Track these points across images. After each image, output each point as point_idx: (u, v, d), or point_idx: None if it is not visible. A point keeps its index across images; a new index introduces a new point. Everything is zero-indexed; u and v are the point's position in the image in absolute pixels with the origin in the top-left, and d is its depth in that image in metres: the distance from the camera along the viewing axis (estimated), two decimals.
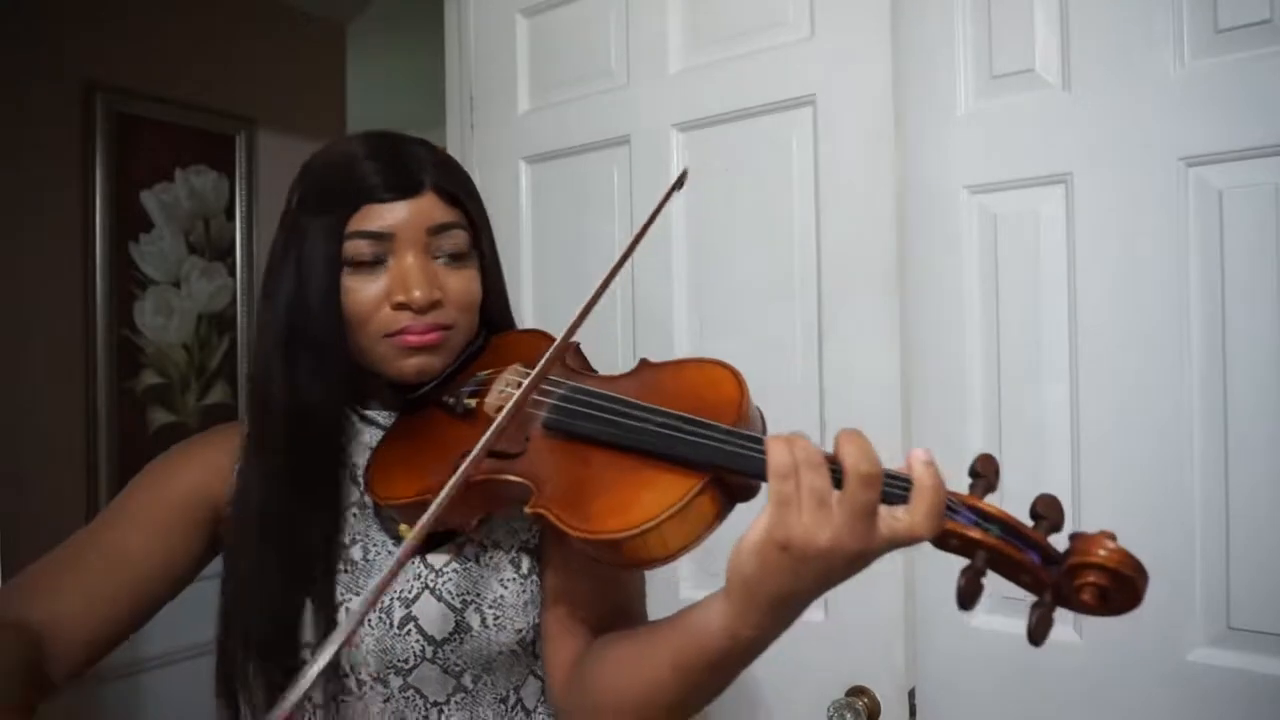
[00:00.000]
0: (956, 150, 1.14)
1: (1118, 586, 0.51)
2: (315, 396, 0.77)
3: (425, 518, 0.58)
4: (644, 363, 0.77)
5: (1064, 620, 1.05)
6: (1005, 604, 1.09)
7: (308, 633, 0.76)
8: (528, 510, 0.66)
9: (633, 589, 0.83)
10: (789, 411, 1.22)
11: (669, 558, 0.62)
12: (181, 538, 0.81)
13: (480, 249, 0.83)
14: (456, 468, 0.63)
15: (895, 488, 0.57)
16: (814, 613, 1.21)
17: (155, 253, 2.24)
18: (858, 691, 1.14)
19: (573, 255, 1.47)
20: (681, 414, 0.64)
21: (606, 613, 0.78)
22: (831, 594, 1.20)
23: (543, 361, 0.69)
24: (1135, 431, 1.02)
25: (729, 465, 0.60)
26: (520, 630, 0.81)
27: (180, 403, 2.30)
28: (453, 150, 1.63)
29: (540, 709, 0.85)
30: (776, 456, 0.56)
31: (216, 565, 0.85)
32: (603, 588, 0.80)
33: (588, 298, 0.72)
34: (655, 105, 1.37)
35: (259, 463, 0.79)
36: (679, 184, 0.81)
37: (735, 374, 0.69)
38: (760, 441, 0.59)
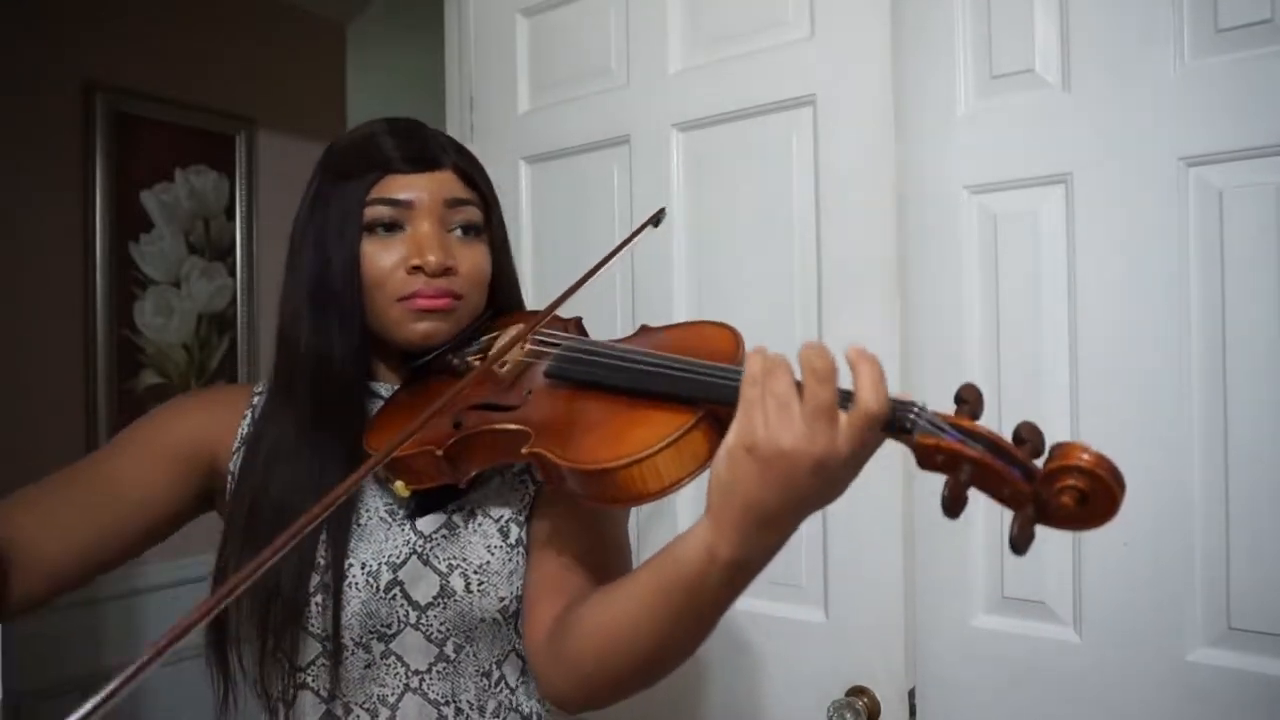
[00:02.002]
0: (956, 150, 1.14)
1: (1095, 489, 0.52)
2: (340, 348, 0.81)
3: (402, 434, 0.57)
4: (644, 327, 0.82)
5: (1064, 621, 1.05)
6: (1005, 604, 1.10)
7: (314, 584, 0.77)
8: (524, 451, 0.68)
9: (620, 553, 0.84)
10: None
11: (661, 492, 0.63)
12: (173, 481, 0.82)
13: (492, 229, 0.88)
14: (458, 422, 0.66)
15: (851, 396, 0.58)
16: (814, 613, 1.21)
17: (155, 253, 2.24)
18: (858, 691, 1.14)
19: (573, 255, 1.47)
20: (678, 356, 0.67)
21: (593, 572, 0.78)
22: (832, 594, 1.21)
23: (543, 313, 0.74)
24: (1135, 431, 1.02)
25: (720, 398, 0.62)
26: (503, 599, 0.82)
27: None
28: None
29: (521, 686, 0.85)
30: (750, 365, 0.58)
31: (207, 567, 0.85)
32: (592, 549, 0.80)
33: (580, 275, 0.78)
34: (655, 105, 1.37)
35: (288, 409, 0.82)
36: (655, 221, 0.86)
37: (731, 329, 0.73)
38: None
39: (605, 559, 0.81)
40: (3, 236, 1.97)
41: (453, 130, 1.63)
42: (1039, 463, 0.55)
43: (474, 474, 0.77)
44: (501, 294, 0.90)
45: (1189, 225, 0.99)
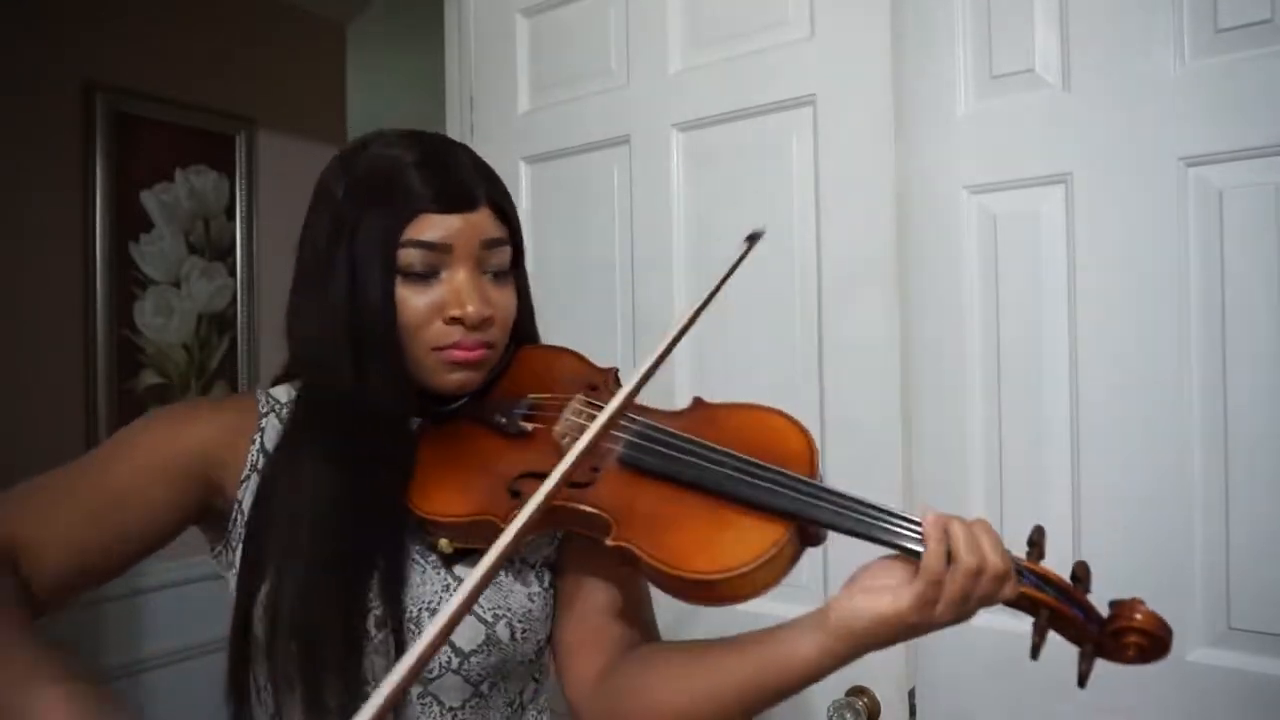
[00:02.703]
0: (956, 150, 1.14)
1: (1153, 645, 0.63)
2: (389, 396, 0.77)
3: (502, 542, 0.57)
4: (699, 402, 0.80)
5: None
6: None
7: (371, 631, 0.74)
8: (609, 543, 0.68)
9: (648, 600, 0.85)
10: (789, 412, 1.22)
11: (750, 597, 0.66)
12: (176, 496, 0.78)
13: (519, 265, 0.84)
14: (516, 490, 0.67)
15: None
16: None
17: (155, 253, 2.24)
18: (858, 691, 1.14)
19: (573, 255, 1.46)
20: (767, 464, 0.68)
21: (629, 624, 0.80)
22: (832, 594, 1.20)
23: (624, 394, 0.69)
24: (1135, 431, 1.02)
25: (824, 521, 0.66)
26: (539, 642, 0.82)
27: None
28: None
29: (531, 707, 0.86)
30: (933, 561, 0.63)
31: (208, 567, 0.84)
32: (626, 600, 0.81)
33: (660, 348, 0.73)
34: (655, 105, 1.37)
35: (324, 451, 0.76)
36: (753, 239, 0.83)
37: (800, 428, 0.74)
38: (860, 503, 0.66)
39: (639, 609, 0.83)
40: (3, 236, 1.97)
41: (453, 130, 1.63)
42: (1095, 601, 0.65)
43: (530, 540, 0.78)
44: (522, 327, 0.86)
45: (1189, 225, 0.99)
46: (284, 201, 2.47)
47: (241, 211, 2.41)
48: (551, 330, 0.92)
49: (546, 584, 0.83)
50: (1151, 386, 1.01)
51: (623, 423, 0.75)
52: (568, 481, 0.69)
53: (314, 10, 2.60)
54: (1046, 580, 0.65)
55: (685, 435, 0.73)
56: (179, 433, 0.80)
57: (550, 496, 0.63)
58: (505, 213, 0.81)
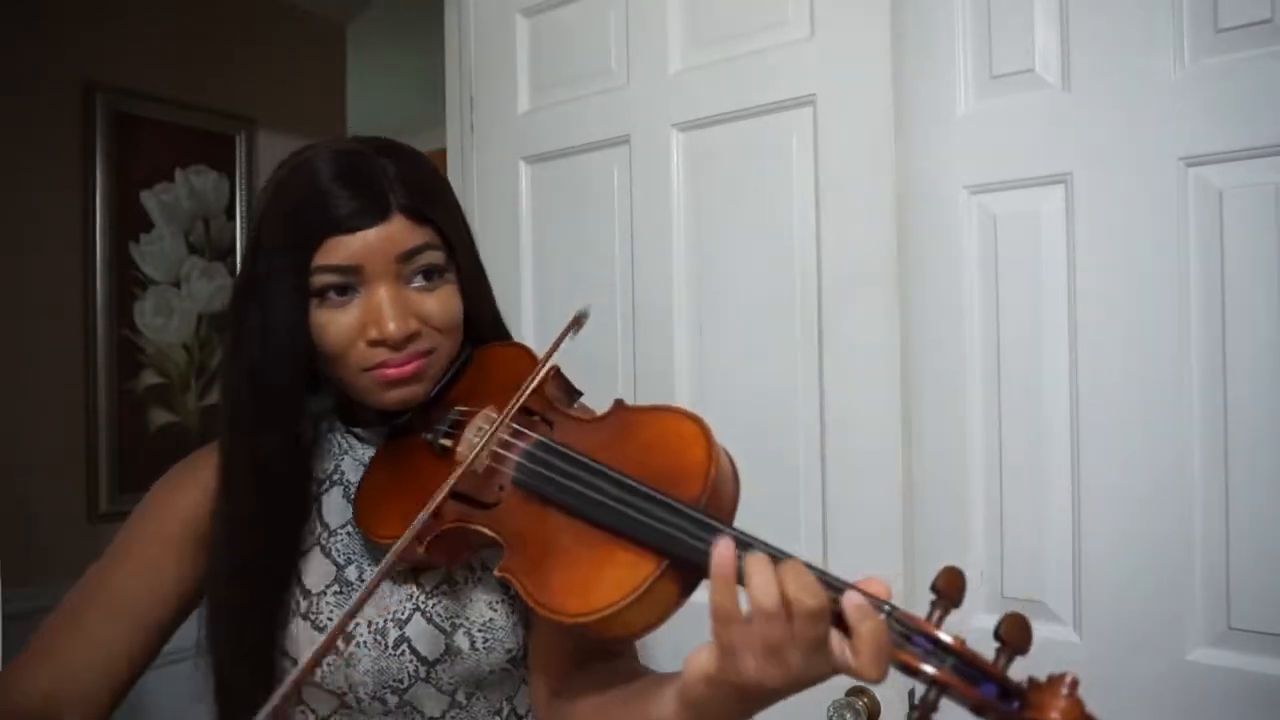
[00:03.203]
0: (956, 150, 1.14)
1: None
2: (276, 446, 0.77)
3: (380, 569, 0.62)
4: (619, 405, 0.74)
5: (1064, 621, 1.05)
6: (1005, 604, 1.09)
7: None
8: (497, 573, 0.67)
9: None
10: (789, 413, 1.22)
11: (637, 635, 0.63)
12: (178, 571, 0.81)
13: (457, 262, 0.79)
14: (439, 512, 0.66)
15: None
16: None
17: (155, 253, 2.24)
18: (858, 691, 1.14)
19: (573, 255, 1.46)
20: (643, 487, 0.63)
21: (584, 644, 0.79)
22: None
23: (500, 418, 0.70)
24: (1135, 431, 1.02)
25: (683, 556, 0.59)
26: (510, 650, 0.81)
27: (180, 403, 2.30)
28: (452, 150, 1.63)
29: (530, 716, 0.85)
30: (719, 600, 0.54)
31: None
32: None
33: (545, 350, 0.73)
34: (655, 105, 1.37)
35: (225, 506, 0.79)
36: (577, 324, 0.76)
37: (705, 434, 0.66)
38: (715, 534, 0.58)
39: None
40: (3, 237, 1.97)
41: (452, 130, 1.63)
42: (1021, 663, 0.51)
43: (460, 563, 0.78)
44: (481, 325, 0.83)
45: (1189, 225, 0.99)
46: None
47: (241, 211, 2.41)
48: (551, 330, 0.92)
49: (513, 592, 0.81)
50: (1151, 386, 1.01)
51: (516, 440, 0.72)
52: (474, 500, 0.71)
53: (314, 10, 2.60)
54: (942, 647, 0.52)
55: (573, 454, 0.69)
56: (158, 516, 0.83)
57: (427, 527, 0.64)
58: (424, 216, 0.75)
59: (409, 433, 0.81)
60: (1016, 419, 1.10)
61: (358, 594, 0.73)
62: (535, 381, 0.71)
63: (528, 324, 1.48)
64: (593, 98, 1.44)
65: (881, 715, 1.13)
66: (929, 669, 0.51)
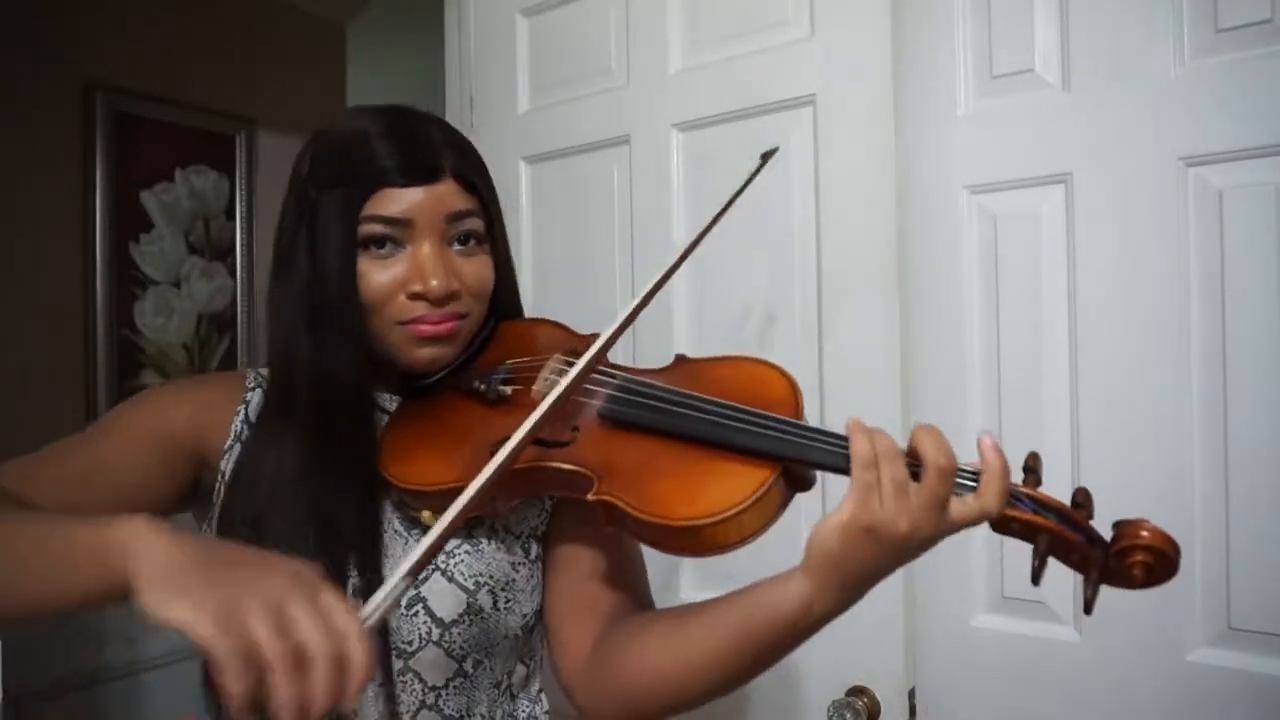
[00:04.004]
0: (956, 150, 1.14)
1: (1160, 562, 0.60)
2: (345, 370, 0.76)
3: (461, 502, 0.59)
4: (681, 358, 0.78)
5: (1064, 621, 1.05)
6: (1005, 604, 1.10)
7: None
8: (590, 498, 0.67)
9: (641, 572, 0.84)
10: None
11: (740, 544, 0.64)
12: (165, 473, 0.79)
13: (494, 234, 0.82)
14: (499, 454, 0.63)
15: (965, 478, 0.62)
16: None
17: (155, 253, 2.24)
18: (858, 691, 1.14)
19: (572, 255, 1.46)
20: (750, 408, 0.66)
21: (622, 595, 0.79)
22: None
23: (597, 346, 0.71)
24: (1135, 430, 1.02)
25: (807, 459, 0.64)
26: (525, 615, 0.81)
27: None
28: None
29: (523, 695, 0.85)
30: (860, 447, 0.61)
31: None
32: (618, 571, 0.80)
33: (644, 292, 0.74)
34: (655, 105, 1.37)
35: (289, 428, 0.77)
36: (764, 158, 0.83)
37: (783, 373, 0.72)
38: (839, 437, 0.63)
39: (630, 578, 0.81)
40: (3, 236, 1.97)
41: None
42: (1098, 527, 0.62)
43: (514, 506, 0.76)
44: (502, 301, 0.86)
45: (1189, 225, 0.99)
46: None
47: (241, 211, 2.41)
48: (568, 323, 0.92)
49: (534, 555, 0.82)
50: (1151, 386, 1.01)
51: (601, 377, 0.74)
52: (547, 441, 0.70)
53: (314, 10, 2.60)
54: (1043, 504, 0.62)
55: (666, 386, 0.72)
56: (163, 410, 0.81)
57: (518, 449, 0.63)
58: (473, 184, 0.79)
59: (438, 393, 0.81)
60: (1016, 418, 1.10)
61: (401, 545, 0.74)
62: (636, 305, 0.73)
63: None
64: (593, 98, 1.44)
65: (881, 715, 1.13)
66: (1039, 520, 0.61)
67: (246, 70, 2.44)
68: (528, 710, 0.85)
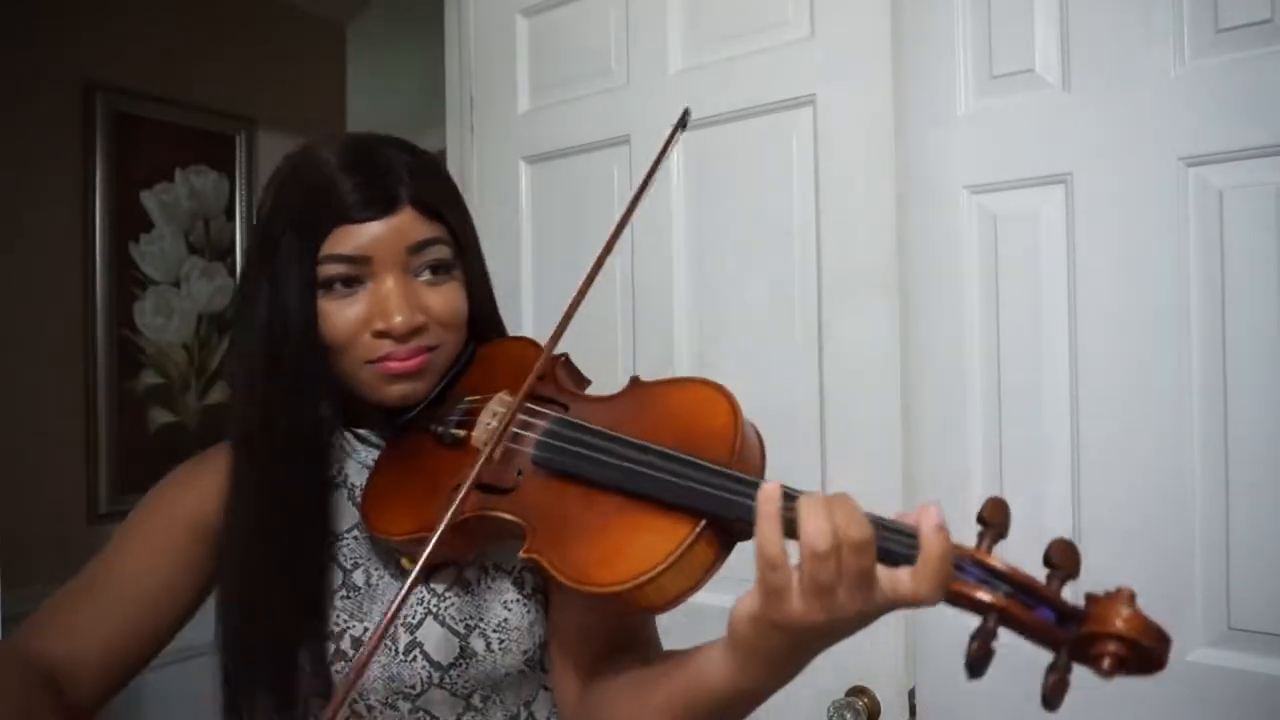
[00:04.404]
0: (956, 150, 1.14)
1: (1138, 656, 0.48)
2: (298, 416, 0.75)
3: (420, 561, 0.59)
4: (635, 381, 0.74)
5: None
6: None
7: (305, 661, 0.75)
8: (522, 555, 0.64)
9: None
10: (789, 413, 1.22)
11: (669, 605, 0.60)
12: (186, 561, 0.80)
13: (464, 259, 0.79)
14: (450, 504, 0.62)
15: (898, 545, 0.53)
16: None
17: (155, 253, 2.24)
18: (858, 691, 1.14)
19: (573, 255, 1.46)
20: (670, 451, 0.62)
21: (615, 637, 0.77)
22: None
23: (519, 397, 0.68)
24: (1136, 431, 1.02)
25: (723, 513, 0.58)
26: (526, 651, 0.79)
27: (180, 403, 2.30)
28: (452, 150, 1.63)
29: (552, 718, 0.84)
30: (765, 541, 0.53)
31: None
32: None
33: (565, 307, 0.72)
34: (655, 105, 1.37)
35: (244, 486, 0.77)
36: (682, 124, 0.77)
37: (729, 399, 0.66)
38: (755, 486, 0.56)
39: (625, 617, 0.80)
40: (3, 236, 1.97)
41: (452, 130, 1.63)
42: (1070, 592, 0.51)
43: (477, 554, 0.75)
44: (481, 323, 0.83)
45: (1189, 225, 0.99)
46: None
47: (241, 211, 2.41)
48: (550, 330, 0.92)
49: (529, 589, 0.80)
50: (1151, 386, 1.01)
51: (533, 419, 0.71)
52: (491, 486, 0.68)
53: (314, 10, 2.60)
54: (995, 573, 0.51)
55: (593, 428, 0.67)
56: (168, 508, 0.82)
57: (457, 513, 0.62)
58: (436, 210, 0.76)
59: (413, 430, 0.80)
60: (1016, 419, 1.10)
61: (395, 592, 0.73)
62: (553, 343, 0.71)
63: (528, 323, 1.48)
64: (593, 98, 1.44)
65: (881, 715, 1.13)
66: (985, 596, 0.50)
67: (246, 70, 2.44)
68: None
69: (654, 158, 0.74)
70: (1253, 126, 0.95)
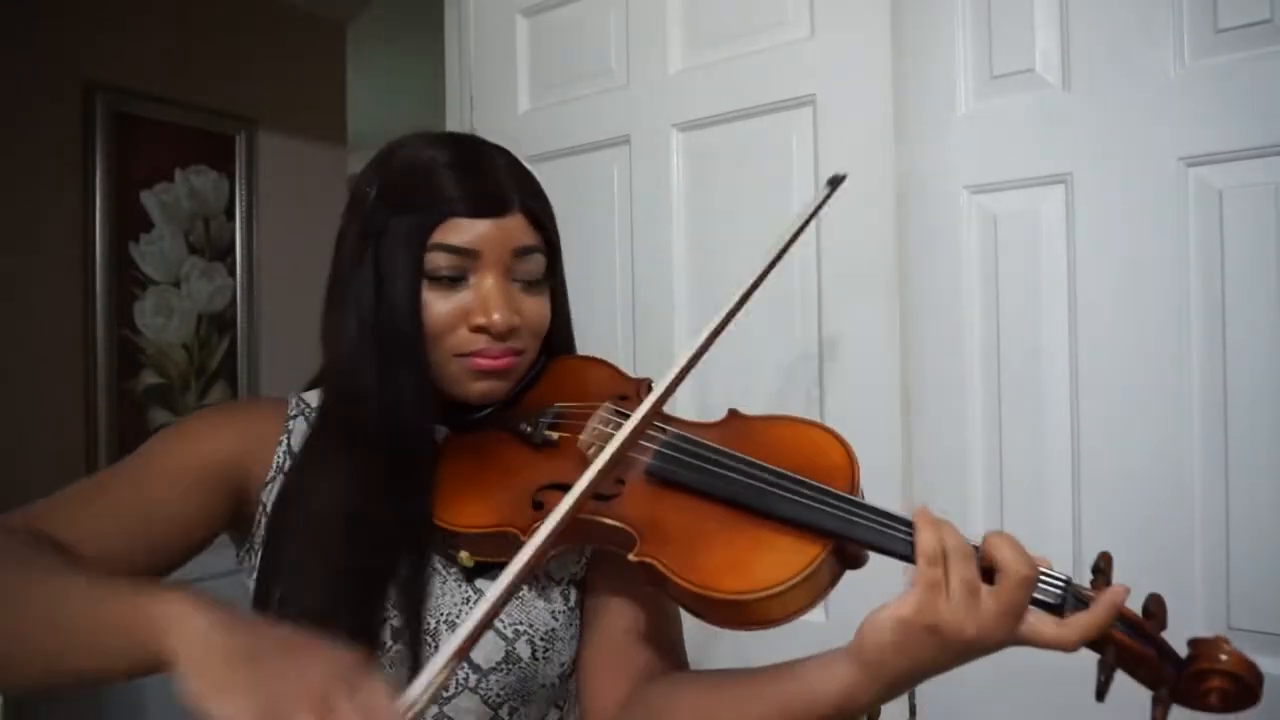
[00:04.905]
0: (956, 150, 1.14)
1: (1240, 690, 0.55)
2: (413, 401, 0.75)
3: (523, 556, 0.58)
4: (734, 414, 0.76)
5: None
6: None
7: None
8: (632, 558, 0.64)
9: (677, 626, 0.82)
10: (789, 413, 1.22)
11: (783, 620, 0.62)
12: (207, 505, 0.77)
13: (555, 272, 0.82)
14: (539, 502, 0.63)
15: (1049, 594, 0.59)
16: (815, 614, 1.21)
17: (155, 253, 2.24)
18: None
19: (573, 256, 1.46)
20: (804, 479, 0.64)
21: (656, 649, 0.77)
22: (832, 595, 1.20)
23: (652, 399, 0.68)
24: (1136, 431, 1.02)
25: (865, 540, 0.61)
26: (563, 664, 0.79)
27: (180, 403, 2.30)
28: None
29: None
30: (927, 540, 0.58)
31: (219, 564, 0.84)
32: (654, 623, 0.78)
33: (700, 341, 0.73)
34: (655, 105, 1.37)
35: (346, 454, 0.75)
36: (833, 183, 0.81)
37: (841, 441, 0.69)
38: (903, 522, 0.61)
39: (667, 632, 0.79)
40: (3, 236, 1.97)
41: (452, 130, 1.63)
42: (1169, 640, 0.59)
43: (553, 555, 0.74)
44: (557, 339, 0.84)
45: (1189, 225, 0.99)
46: (284, 201, 2.47)
47: (241, 211, 2.41)
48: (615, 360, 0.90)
49: (573, 602, 0.80)
50: (1151, 386, 1.01)
51: (651, 432, 0.71)
52: (592, 494, 0.67)
53: (314, 10, 2.60)
54: (1118, 616, 0.58)
55: (717, 447, 0.69)
56: (209, 441, 0.79)
57: (574, 509, 0.61)
58: (540, 220, 0.78)
59: (481, 428, 0.80)
60: (1016, 418, 1.10)
61: (443, 586, 0.73)
62: (694, 353, 0.72)
63: None
64: (593, 98, 1.44)
65: (882, 715, 1.13)
66: (1111, 633, 0.57)
67: (246, 70, 2.44)
68: None
69: (804, 215, 0.79)
70: (1253, 126, 0.95)
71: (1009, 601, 0.57)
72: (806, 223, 0.77)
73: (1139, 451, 1.01)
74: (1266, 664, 0.94)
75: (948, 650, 0.57)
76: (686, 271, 1.34)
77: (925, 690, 1.14)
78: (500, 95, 1.57)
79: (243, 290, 2.41)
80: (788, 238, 0.76)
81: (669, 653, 0.78)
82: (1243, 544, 0.96)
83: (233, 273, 2.40)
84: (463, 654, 0.55)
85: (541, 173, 1.51)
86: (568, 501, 0.61)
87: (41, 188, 2.04)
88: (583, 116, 1.45)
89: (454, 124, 1.63)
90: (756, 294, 1.33)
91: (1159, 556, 1.00)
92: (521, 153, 1.52)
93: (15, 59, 1.99)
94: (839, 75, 1.19)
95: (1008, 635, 0.57)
